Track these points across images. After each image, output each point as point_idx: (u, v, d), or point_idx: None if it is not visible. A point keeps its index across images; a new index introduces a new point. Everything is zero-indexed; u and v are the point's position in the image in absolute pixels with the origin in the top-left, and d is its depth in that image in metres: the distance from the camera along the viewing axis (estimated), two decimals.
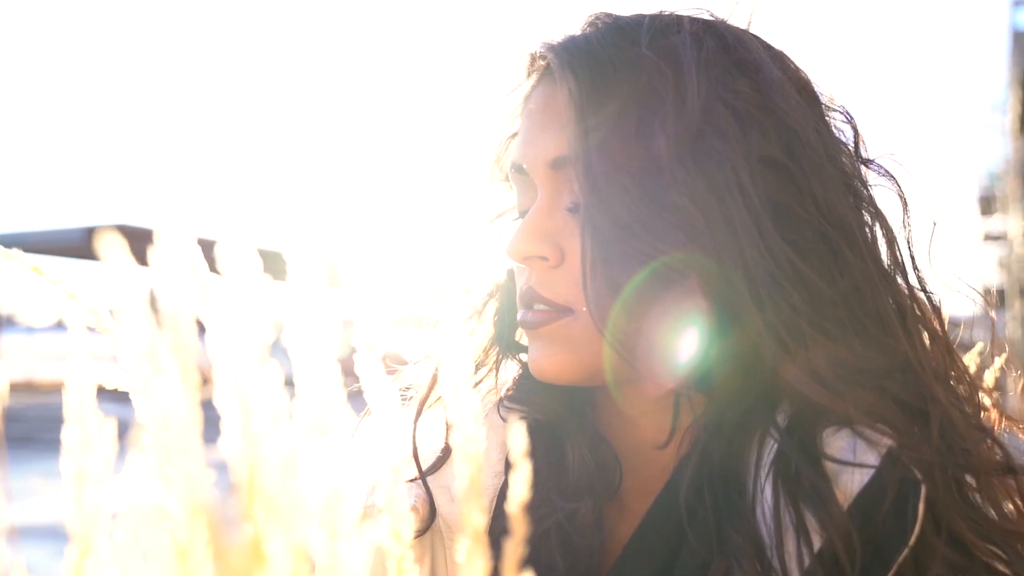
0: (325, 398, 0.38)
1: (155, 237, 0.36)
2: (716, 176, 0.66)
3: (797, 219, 0.68)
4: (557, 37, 0.74)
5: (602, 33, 0.73)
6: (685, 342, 0.68)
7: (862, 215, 0.73)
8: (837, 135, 0.76)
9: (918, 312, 0.73)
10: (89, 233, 15.98)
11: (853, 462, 0.64)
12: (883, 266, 0.72)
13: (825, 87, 0.78)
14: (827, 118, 0.76)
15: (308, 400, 0.38)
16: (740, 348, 0.67)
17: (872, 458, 0.64)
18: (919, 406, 0.66)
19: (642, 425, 0.78)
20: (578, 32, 0.75)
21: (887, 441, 0.64)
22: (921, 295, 0.75)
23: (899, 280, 0.74)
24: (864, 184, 0.75)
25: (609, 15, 0.75)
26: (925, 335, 0.73)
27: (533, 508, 0.73)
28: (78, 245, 16.23)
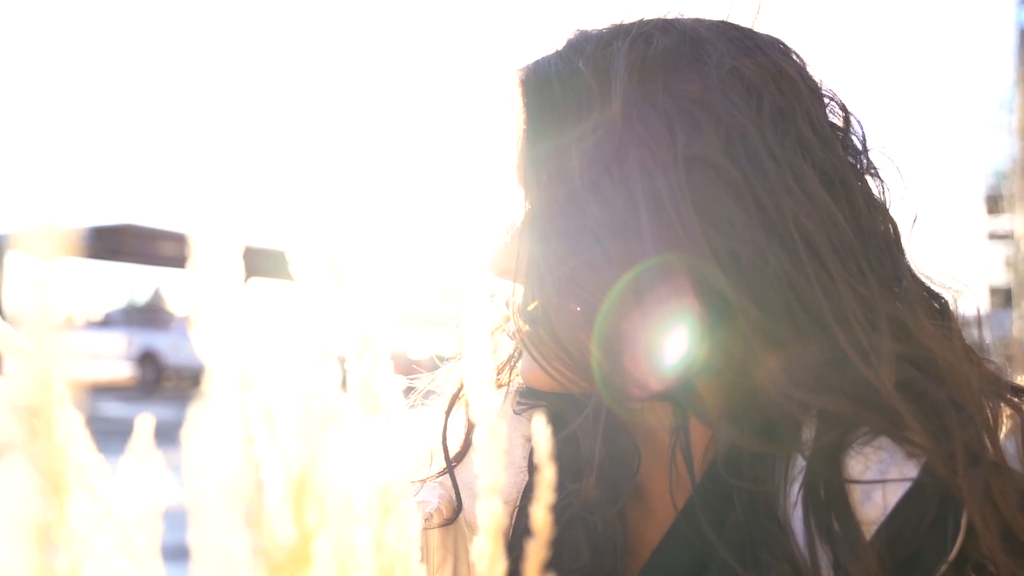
0: (382, 394, 0.38)
1: (171, 238, 0.36)
2: (632, 185, 0.66)
3: (727, 221, 0.65)
4: (530, 59, 0.76)
5: (560, 51, 0.74)
6: (630, 349, 0.68)
7: (825, 210, 0.67)
8: (826, 125, 0.72)
9: (899, 304, 0.68)
10: (97, 232, 16.04)
11: (885, 479, 0.62)
12: (838, 261, 0.66)
13: (822, 75, 0.75)
14: (815, 107, 0.72)
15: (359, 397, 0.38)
16: (701, 353, 0.67)
17: (911, 469, 0.62)
18: (866, 396, 0.63)
19: (650, 425, 0.78)
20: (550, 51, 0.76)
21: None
22: (915, 288, 0.71)
23: (869, 274, 0.67)
24: (845, 176, 0.70)
25: (578, 31, 0.76)
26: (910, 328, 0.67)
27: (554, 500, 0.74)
28: (87, 244, 16.28)
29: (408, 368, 0.86)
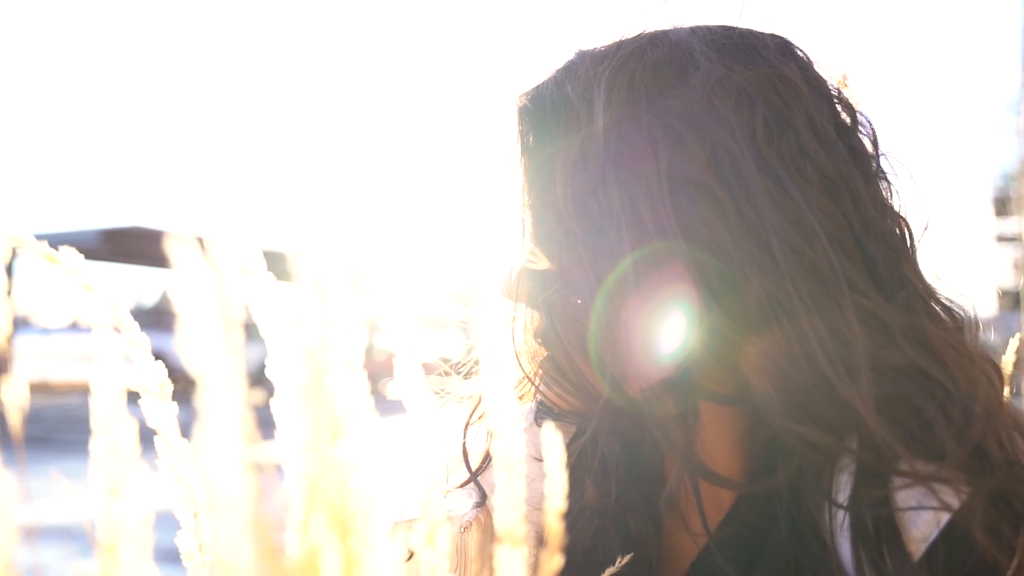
0: (352, 403, 0.37)
1: (180, 239, 0.35)
2: (614, 208, 0.66)
3: (712, 240, 0.63)
4: (531, 83, 0.76)
5: (556, 74, 0.74)
6: (625, 370, 0.68)
7: (822, 218, 0.64)
8: (830, 128, 0.70)
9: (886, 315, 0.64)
10: (105, 235, 16.07)
11: (928, 506, 0.61)
12: (832, 271, 0.63)
13: (831, 74, 0.73)
14: (818, 109, 0.69)
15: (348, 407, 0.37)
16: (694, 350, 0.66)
17: (953, 497, 0.60)
18: (853, 421, 0.62)
19: None
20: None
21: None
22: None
23: (860, 282, 0.64)
24: (850, 180, 0.67)
25: (578, 52, 0.75)
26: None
27: (579, 508, 0.76)
28: (94, 247, 16.31)
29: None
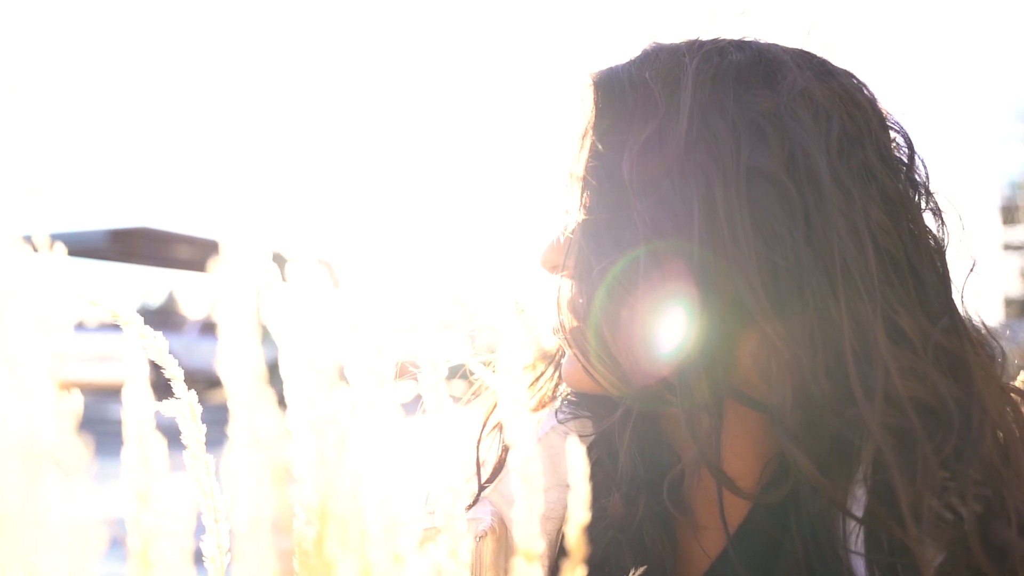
0: (383, 416, 0.38)
1: (185, 241, 0.36)
2: (689, 189, 0.67)
3: (775, 235, 0.65)
4: (604, 64, 0.78)
5: (634, 59, 0.76)
6: (644, 343, 0.69)
7: (880, 236, 0.67)
8: (893, 155, 0.73)
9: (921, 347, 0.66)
10: (112, 235, 16.10)
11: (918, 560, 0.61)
12: (881, 290, 0.65)
13: (886, 105, 0.76)
14: (884, 137, 0.73)
15: (367, 419, 0.38)
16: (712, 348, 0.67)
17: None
18: (850, 450, 0.64)
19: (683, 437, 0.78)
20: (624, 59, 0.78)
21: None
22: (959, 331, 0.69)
23: (902, 309, 0.66)
24: (910, 206, 0.71)
25: (654, 44, 0.78)
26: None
27: (597, 517, 0.75)
28: (102, 247, 16.35)
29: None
